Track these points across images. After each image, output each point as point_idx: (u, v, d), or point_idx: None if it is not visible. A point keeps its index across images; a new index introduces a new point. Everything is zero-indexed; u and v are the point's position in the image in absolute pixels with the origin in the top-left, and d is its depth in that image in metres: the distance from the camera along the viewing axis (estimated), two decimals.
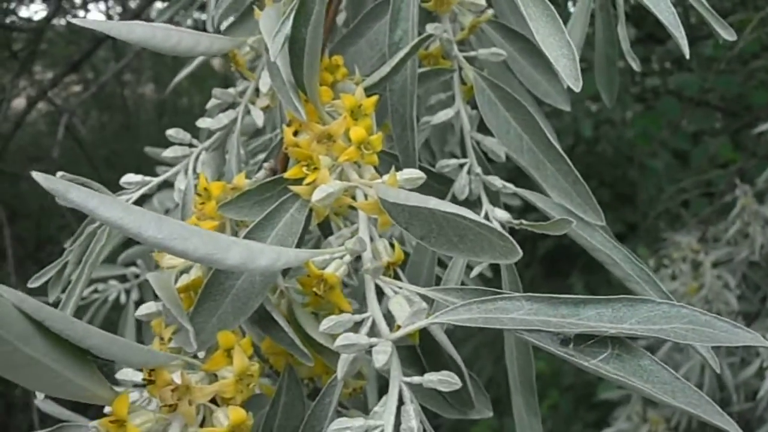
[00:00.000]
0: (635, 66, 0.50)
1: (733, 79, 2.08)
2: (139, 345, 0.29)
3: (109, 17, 4.18)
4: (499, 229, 0.28)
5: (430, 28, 0.38)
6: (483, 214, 0.36)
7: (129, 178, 0.46)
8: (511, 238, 0.29)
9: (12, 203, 3.20)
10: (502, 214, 0.36)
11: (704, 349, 0.36)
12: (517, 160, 0.37)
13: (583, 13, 0.47)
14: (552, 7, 0.34)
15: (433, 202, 0.28)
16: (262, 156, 0.42)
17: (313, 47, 0.31)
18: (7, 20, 2.73)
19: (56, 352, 0.26)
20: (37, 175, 0.29)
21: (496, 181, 0.37)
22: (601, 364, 0.28)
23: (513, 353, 0.37)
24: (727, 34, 0.45)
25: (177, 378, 0.28)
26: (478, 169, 0.38)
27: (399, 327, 0.30)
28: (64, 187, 0.27)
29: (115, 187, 0.67)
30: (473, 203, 0.37)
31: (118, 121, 4.36)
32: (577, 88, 0.33)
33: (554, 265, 3.75)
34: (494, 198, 0.37)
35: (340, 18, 0.41)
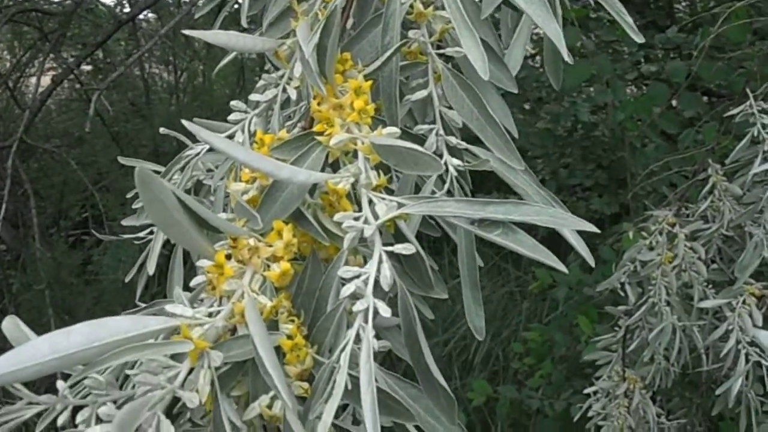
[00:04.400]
0: (565, 56, 0.63)
1: (711, 66, 2.20)
2: (230, 223, 0.45)
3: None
4: (432, 155, 0.45)
5: (411, 33, 0.54)
6: (443, 160, 0.53)
7: (189, 151, 0.65)
8: (439, 160, 0.45)
9: (37, 176, 3.36)
10: (456, 161, 0.53)
11: (571, 235, 0.51)
12: (469, 125, 0.53)
13: (523, 35, 0.62)
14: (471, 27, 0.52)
15: (399, 143, 0.46)
16: (291, 121, 0.60)
17: (331, 50, 0.50)
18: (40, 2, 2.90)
19: (190, 220, 0.42)
20: (189, 125, 0.45)
21: (452, 140, 0.53)
22: (494, 236, 0.43)
23: (464, 259, 0.52)
24: (637, 37, 0.60)
25: (252, 241, 0.45)
26: (442, 132, 0.54)
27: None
28: (196, 129, 0.45)
29: (141, 154, 0.82)
30: (440, 155, 0.54)
31: (131, 100, 4.50)
32: (484, 74, 0.50)
33: (554, 246, 3.89)
34: (452, 151, 0.54)
35: (350, 23, 0.58)
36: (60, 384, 0.42)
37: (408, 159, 0.47)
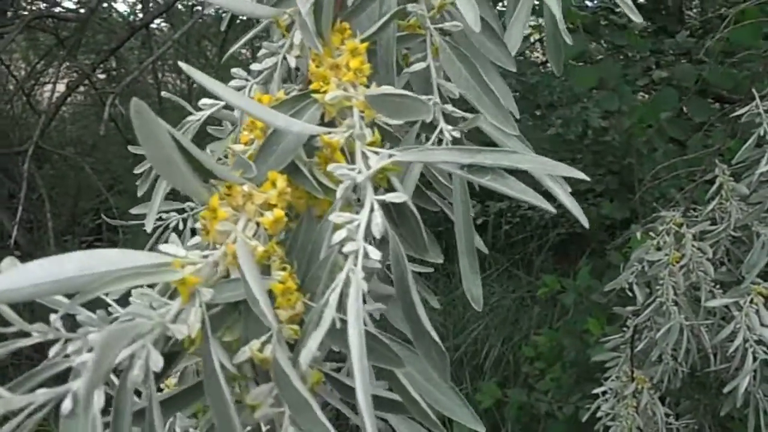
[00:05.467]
0: (567, 39, 0.64)
1: (717, 69, 2.20)
2: (225, 168, 0.46)
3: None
4: (421, 99, 0.48)
5: (410, 7, 0.56)
6: (439, 128, 0.55)
7: (205, 101, 0.65)
8: (428, 103, 0.47)
9: (52, 181, 3.40)
10: (451, 128, 0.55)
11: (551, 181, 0.52)
12: (465, 95, 0.55)
13: (522, 15, 0.64)
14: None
15: (390, 90, 0.49)
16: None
17: (327, 9, 0.52)
18: (56, 9, 2.94)
19: (185, 161, 0.43)
20: (185, 66, 0.46)
21: (449, 108, 0.55)
22: (485, 181, 0.44)
23: (461, 229, 0.53)
24: (636, 17, 0.62)
25: (246, 187, 0.46)
26: (439, 101, 0.57)
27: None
28: (192, 71, 0.46)
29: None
30: (436, 124, 0.56)
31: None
32: (476, 26, 0.52)
33: (565, 252, 3.91)
34: (448, 119, 0.55)
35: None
36: (52, 316, 0.42)
37: (399, 107, 0.49)
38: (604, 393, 1.70)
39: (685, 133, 2.37)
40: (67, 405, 0.38)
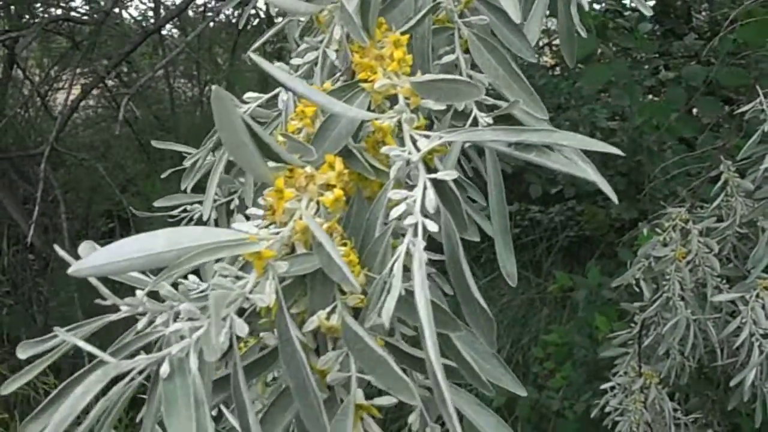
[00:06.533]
0: (583, 34, 0.67)
1: (729, 70, 2.21)
2: (289, 154, 0.49)
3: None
4: (470, 81, 0.51)
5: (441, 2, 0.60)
6: (473, 115, 0.57)
7: (249, 94, 0.69)
8: (478, 84, 0.50)
9: (66, 184, 3.44)
10: (483, 114, 0.58)
11: (583, 161, 0.54)
12: (495, 84, 0.58)
13: (540, 10, 0.67)
14: None
15: (438, 76, 0.52)
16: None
17: (374, 6, 0.55)
18: (71, 13, 2.99)
19: (255, 145, 0.46)
20: (254, 56, 0.49)
21: (480, 97, 0.59)
22: (531, 156, 0.46)
23: (495, 209, 0.56)
24: (646, 11, 0.65)
25: (308, 169, 0.49)
26: None
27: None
28: (258, 60, 0.49)
29: (167, 163, 0.88)
30: (469, 112, 0.58)
31: (155, 113, 4.60)
32: (517, 19, 0.55)
33: (575, 255, 3.92)
34: (480, 107, 0.57)
35: None
36: (139, 292, 0.46)
37: (448, 91, 0.51)
38: (612, 388, 1.72)
39: (694, 132, 2.38)
40: (165, 369, 0.42)
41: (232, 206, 0.88)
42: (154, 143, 0.86)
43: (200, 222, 0.85)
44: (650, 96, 3.08)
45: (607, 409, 1.71)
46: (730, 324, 1.52)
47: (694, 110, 2.77)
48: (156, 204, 0.88)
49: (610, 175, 3.23)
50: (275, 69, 0.50)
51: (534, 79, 3.18)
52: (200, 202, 0.84)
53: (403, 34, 0.56)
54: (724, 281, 1.59)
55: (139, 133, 3.71)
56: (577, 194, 3.58)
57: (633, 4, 0.65)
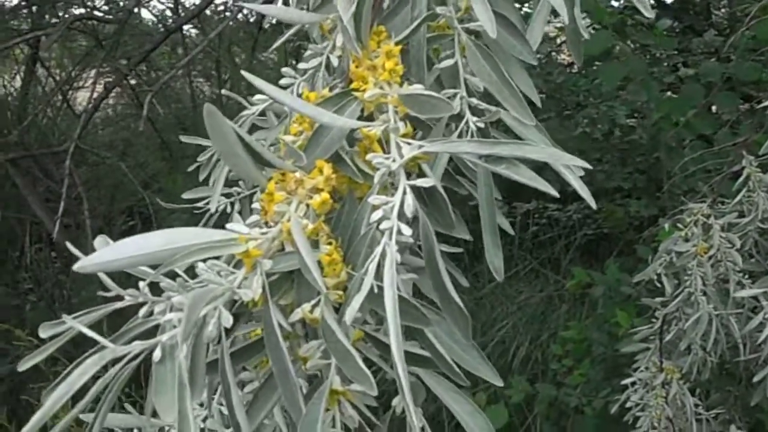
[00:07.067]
0: (585, 34, 0.69)
1: (747, 66, 2.20)
2: (281, 160, 0.53)
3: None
4: (445, 99, 0.54)
5: (439, 9, 0.61)
6: (465, 119, 0.59)
7: (258, 96, 0.71)
8: (450, 102, 0.53)
9: (88, 182, 3.49)
10: (476, 119, 0.60)
11: (564, 168, 0.57)
12: (489, 88, 0.60)
13: (543, 13, 0.69)
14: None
15: (419, 91, 0.55)
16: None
17: (366, 17, 0.58)
18: (95, 12, 3.04)
19: (247, 153, 0.49)
20: (246, 74, 0.52)
21: (474, 101, 0.60)
22: (500, 169, 0.50)
23: (483, 206, 0.58)
24: (648, 13, 0.65)
25: (298, 174, 0.53)
26: (465, 94, 0.62)
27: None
28: (251, 77, 0.52)
29: (188, 161, 0.91)
30: (463, 115, 0.61)
31: (175, 113, 4.65)
32: (492, 33, 0.57)
33: (593, 252, 3.92)
34: (474, 111, 0.60)
35: (386, 3, 0.66)
36: (141, 284, 0.50)
37: (426, 105, 0.55)
38: (633, 384, 1.72)
39: (712, 128, 2.37)
40: (157, 354, 0.46)
41: (254, 198, 0.90)
42: (183, 138, 0.88)
43: (224, 214, 0.88)
44: (669, 93, 3.08)
45: (628, 404, 1.71)
46: (752, 319, 1.52)
47: (713, 108, 2.77)
48: (184, 196, 0.91)
49: (629, 172, 3.23)
50: (265, 84, 0.53)
51: (552, 76, 3.19)
52: (226, 195, 0.87)
53: (398, 43, 0.59)
54: (747, 276, 1.59)
55: (160, 131, 3.75)
56: (595, 192, 3.57)
57: (646, 3, 0.65)
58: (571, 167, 0.57)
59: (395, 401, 0.58)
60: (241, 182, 0.87)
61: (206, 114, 0.46)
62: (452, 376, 0.56)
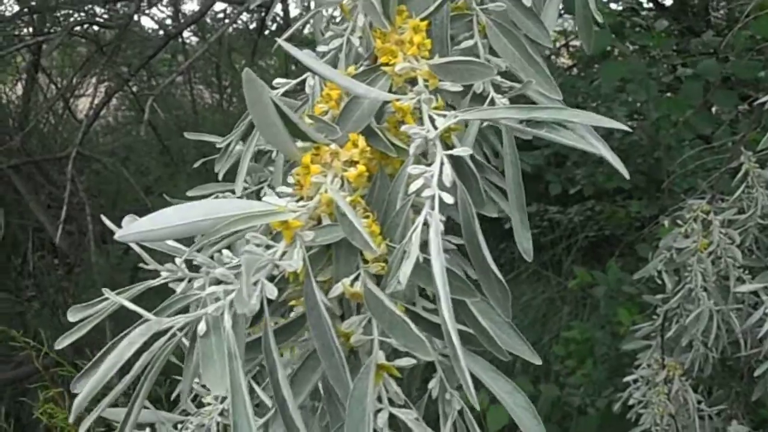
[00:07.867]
0: (599, 18, 0.69)
1: (745, 63, 2.21)
2: (316, 133, 0.52)
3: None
4: (482, 62, 0.54)
5: None
6: (489, 98, 0.58)
7: (278, 80, 0.71)
8: (490, 65, 0.53)
9: (91, 187, 3.49)
10: (500, 96, 0.58)
11: (595, 139, 0.56)
12: (511, 67, 0.60)
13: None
14: None
15: (453, 58, 0.55)
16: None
17: None
18: (96, 18, 3.05)
19: (283, 124, 0.49)
20: (282, 42, 0.52)
21: (498, 79, 0.59)
22: (542, 132, 0.49)
23: (511, 187, 0.58)
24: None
25: (333, 146, 0.53)
26: None
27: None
28: (287, 45, 0.52)
29: (189, 167, 0.91)
30: (486, 95, 0.59)
31: (175, 120, 4.66)
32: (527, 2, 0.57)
33: (595, 254, 3.92)
34: (497, 89, 0.59)
35: None
36: (177, 260, 0.51)
37: (464, 72, 0.55)
38: (635, 381, 1.72)
39: (711, 127, 2.38)
40: (202, 327, 0.46)
41: (262, 194, 0.90)
42: (188, 135, 0.88)
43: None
44: (668, 93, 3.08)
45: (630, 402, 1.71)
46: (753, 315, 1.52)
47: (713, 109, 2.77)
48: (189, 194, 0.91)
49: (630, 173, 3.22)
50: (303, 55, 0.53)
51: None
52: (232, 191, 0.87)
53: (422, 20, 0.59)
54: (747, 272, 1.59)
55: (161, 137, 3.76)
56: (596, 193, 3.58)
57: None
58: (601, 140, 0.54)
59: (431, 384, 0.58)
60: (247, 177, 0.88)
61: (245, 80, 0.46)
62: (493, 350, 0.55)
